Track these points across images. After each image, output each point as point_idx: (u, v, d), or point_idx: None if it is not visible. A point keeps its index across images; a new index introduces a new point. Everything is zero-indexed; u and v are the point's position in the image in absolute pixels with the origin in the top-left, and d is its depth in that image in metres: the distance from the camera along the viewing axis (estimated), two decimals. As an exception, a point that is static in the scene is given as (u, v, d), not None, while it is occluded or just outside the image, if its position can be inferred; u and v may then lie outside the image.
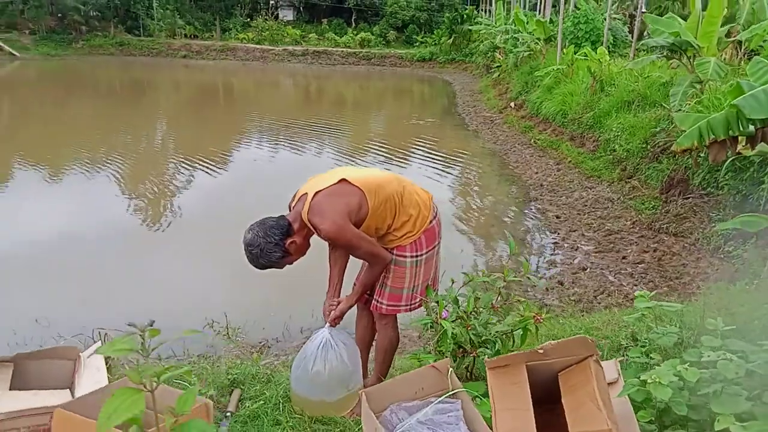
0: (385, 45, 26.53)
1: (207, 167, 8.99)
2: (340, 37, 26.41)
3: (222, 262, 5.03)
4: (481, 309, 2.34)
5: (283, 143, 11.38)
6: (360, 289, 2.52)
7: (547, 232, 6.29)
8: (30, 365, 1.98)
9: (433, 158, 10.01)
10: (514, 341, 2.24)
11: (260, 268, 2.34)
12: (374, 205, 2.34)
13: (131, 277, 5.08)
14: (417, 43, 25.78)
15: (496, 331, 2.20)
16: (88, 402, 1.68)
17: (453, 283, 2.53)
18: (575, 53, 11.13)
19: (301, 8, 29.98)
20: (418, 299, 2.51)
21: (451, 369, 2.00)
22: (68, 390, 1.90)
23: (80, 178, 8.37)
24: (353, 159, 9.92)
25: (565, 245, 5.82)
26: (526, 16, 14.78)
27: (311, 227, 2.30)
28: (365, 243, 2.35)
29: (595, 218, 6.44)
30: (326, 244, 2.46)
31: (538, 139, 10.11)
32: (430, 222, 2.51)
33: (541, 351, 1.67)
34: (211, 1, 26.60)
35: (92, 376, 1.92)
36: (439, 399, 1.94)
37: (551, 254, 5.67)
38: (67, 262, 5.41)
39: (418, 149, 10.75)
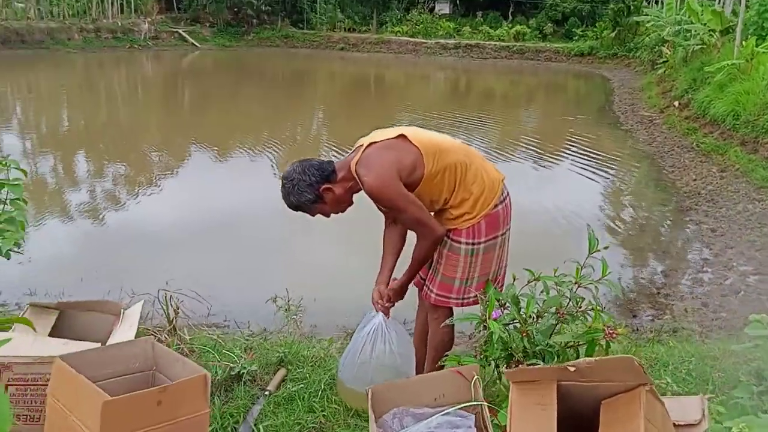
0: (541, 39, 25.40)
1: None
2: (495, 30, 25.76)
3: (347, 250, 5.11)
4: (545, 313, 2.00)
5: (429, 138, 11.25)
6: (414, 266, 2.27)
7: (698, 247, 5.56)
8: (74, 315, 2.07)
9: (581, 157, 9.38)
10: (578, 356, 1.90)
11: (291, 208, 2.21)
12: (431, 171, 2.10)
13: (261, 252, 5.33)
14: (576, 37, 24.38)
15: (555, 342, 1.85)
16: (87, 357, 1.68)
17: (515, 280, 2.21)
18: (757, 46, 9.77)
19: (458, 1, 29.70)
20: (472, 294, 2.22)
21: (476, 377, 1.71)
22: (100, 344, 1.94)
23: (244, 160, 8.95)
24: (501, 154, 9.58)
25: (718, 263, 5.09)
26: (701, 5, 13.28)
27: (357, 180, 2.12)
28: (413, 207, 2.10)
29: (760, 235, 5.57)
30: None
31: (702, 143, 9.02)
32: (494, 207, 2.20)
33: (572, 369, 1.35)
34: (369, -5, 27.31)
35: (124, 332, 1.94)
36: (451, 409, 1.67)
37: (698, 271, 5.00)
38: (209, 234, 5.75)
39: (566, 147, 10.15)
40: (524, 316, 1.93)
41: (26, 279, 4.61)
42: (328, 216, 2.26)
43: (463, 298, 2.28)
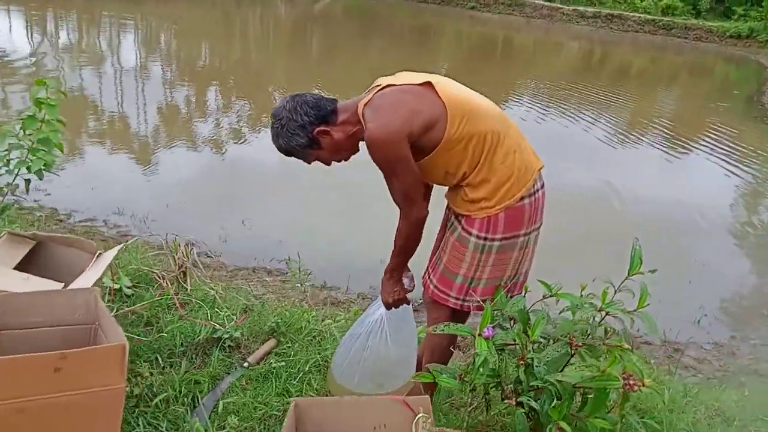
0: (694, 15, 22.85)
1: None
2: (641, 2, 23.52)
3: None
4: (554, 340, 1.55)
5: (553, 109, 10.43)
6: (395, 250, 1.88)
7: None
8: (51, 249, 1.93)
9: (717, 150, 8.35)
10: (585, 403, 1.44)
11: (281, 152, 1.85)
12: (452, 136, 1.69)
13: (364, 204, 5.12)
14: (735, 16, 21.68)
15: (556, 380, 1.41)
16: (18, 301, 1.49)
17: (527, 291, 1.79)
18: None
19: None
20: (475, 299, 1.82)
21: (422, 415, 1.32)
22: (64, 284, 1.78)
23: None
24: (629, 135, 8.93)
25: None
26: None
27: (363, 124, 1.72)
28: (409, 178, 1.71)
29: None
30: None
31: None
32: (520, 199, 1.76)
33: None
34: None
35: (88, 276, 1.76)
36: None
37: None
38: (311, 182, 5.53)
39: (702, 137, 9.11)
40: (526, 339, 1.52)
41: (119, 199, 4.80)
42: (328, 164, 1.88)
43: (464, 300, 1.88)
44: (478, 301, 1.78)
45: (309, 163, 1.87)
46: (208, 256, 4.08)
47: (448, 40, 20.65)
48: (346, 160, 1.87)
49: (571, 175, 6.28)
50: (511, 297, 1.79)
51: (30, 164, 2.76)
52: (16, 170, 2.81)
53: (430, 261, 2.00)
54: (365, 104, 1.72)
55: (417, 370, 2.12)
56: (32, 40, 12.58)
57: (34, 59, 10.36)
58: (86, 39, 13.33)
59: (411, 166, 1.70)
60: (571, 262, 4.15)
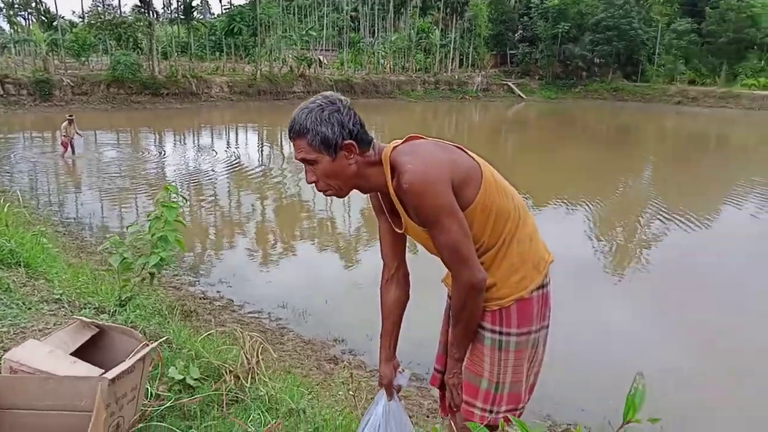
0: None
1: (684, 224, 8.10)
2: None
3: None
4: None
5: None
6: (457, 332, 1.58)
7: None
8: (110, 336, 2.07)
9: None
10: None
11: (293, 129, 1.45)
12: (483, 200, 1.48)
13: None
14: None
15: None
16: (31, 383, 1.59)
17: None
18: None
19: None
20: (503, 408, 1.55)
21: None
22: (104, 369, 1.86)
23: (555, 213, 8.71)
24: None
25: None
26: None
27: (389, 169, 1.48)
28: (458, 228, 1.43)
29: None
30: None
31: None
32: (531, 292, 1.54)
33: None
34: (721, 44, 24.02)
35: (123, 365, 1.84)
36: None
37: None
38: None
39: None
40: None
41: (286, 293, 5.18)
42: (320, 185, 1.50)
43: (491, 411, 1.56)
44: (506, 416, 1.50)
45: (310, 163, 1.47)
46: (351, 354, 4.14)
47: (652, 137, 19.56)
48: (338, 193, 1.53)
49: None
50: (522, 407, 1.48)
51: (148, 259, 3.12)
52: (139, 262, 3.20)
53: (437, 360, 1.75)
54: (394, 149, 1.49)
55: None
56: (262, 153, 14.69)
57: (262, 168, 12.09)
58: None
59: (460, 217, 1.43)
60: None
